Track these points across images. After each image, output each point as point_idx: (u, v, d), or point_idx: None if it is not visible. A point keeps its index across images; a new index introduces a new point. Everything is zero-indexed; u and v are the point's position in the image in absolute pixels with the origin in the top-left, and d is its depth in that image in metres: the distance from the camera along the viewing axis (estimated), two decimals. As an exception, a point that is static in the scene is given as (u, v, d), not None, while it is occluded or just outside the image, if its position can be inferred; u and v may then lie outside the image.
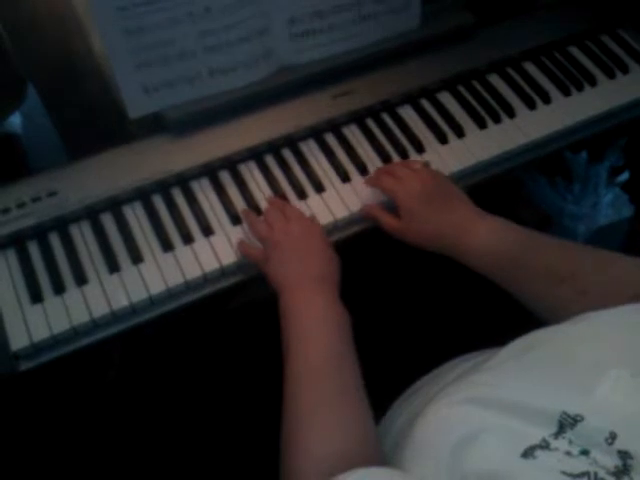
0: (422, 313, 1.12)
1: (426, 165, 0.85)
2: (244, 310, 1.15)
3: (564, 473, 0.36)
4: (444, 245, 0.75)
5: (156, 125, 0.85)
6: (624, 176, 1.31)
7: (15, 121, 0.94)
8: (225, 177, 0.86)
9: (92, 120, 0.88)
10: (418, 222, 0.76)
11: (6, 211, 0.78)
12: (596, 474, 0.35)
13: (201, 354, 1.15)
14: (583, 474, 0.36)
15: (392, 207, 0.81)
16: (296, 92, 0.90)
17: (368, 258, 1.12)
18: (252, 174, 0.87)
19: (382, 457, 0.53)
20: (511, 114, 0.94)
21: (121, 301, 0.75)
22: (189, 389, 1.12)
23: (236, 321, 1.17)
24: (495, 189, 1.05)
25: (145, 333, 0.91)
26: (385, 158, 0.89)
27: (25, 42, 0.85)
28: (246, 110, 0.88)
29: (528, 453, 0.38)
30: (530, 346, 0.49)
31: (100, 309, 0.74)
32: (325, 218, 0.83)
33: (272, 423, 0.60)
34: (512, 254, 0.70)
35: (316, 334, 0.64)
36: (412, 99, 0.95)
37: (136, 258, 0.78)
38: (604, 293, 0.61)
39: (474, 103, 0.95)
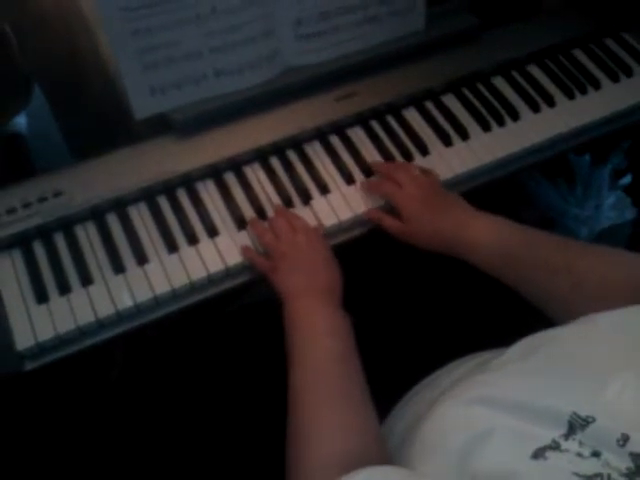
0: (424, 315, 1.12)
1: (423, 170, 0.85)
2: (247, 311, 1.15)
3: (576, 474, 0.36)
4: (444, 243, 0.77)
5: (161, 126, 0.85)
6: (627, 179, 1.31)
7: (21, 121, 0.94)
8: (230, 178, 0.86)
9: (98, 121, 0.88)
10: (419, 223, 0.79)
11: (12, 211, 0.78)
12: (609, 476, 0.35)
13: (204, 355, 1.15)
14: (596, 475, 0.36)
15: (392, 210, 0.82)
16: (301, 94, 0.90)
17: (369, 261, 1.13)
18: (257, 175, 0.87)
19: (387, 459, 0.53)
20: (515, 117, 0.94)
21: (126, 301, 0.75)
22: (191, 390, 1.12)
23: (239, 322, 1.17)
24: (497, 191, 1.05)
25: (148, 334, 0.91)
26: (389, 160, 0.89)
27: (31, 43, 0.86)
28: (251, 111, 0.88)
29: (538, 454, 0.38)
30: (537, 346, 0.49)
31: (105, 309, 0.74)
32: (330, 220, 0.83)
33: (276, 423, 0.60)
34: (509, 248, 0.72)
35: (320, 340, 0.65)
36: (416, 101, 0.95)
37: (141, 259, 0.78)
38: (600, 285, 0.62)
39: (478, 106, 0.95)
